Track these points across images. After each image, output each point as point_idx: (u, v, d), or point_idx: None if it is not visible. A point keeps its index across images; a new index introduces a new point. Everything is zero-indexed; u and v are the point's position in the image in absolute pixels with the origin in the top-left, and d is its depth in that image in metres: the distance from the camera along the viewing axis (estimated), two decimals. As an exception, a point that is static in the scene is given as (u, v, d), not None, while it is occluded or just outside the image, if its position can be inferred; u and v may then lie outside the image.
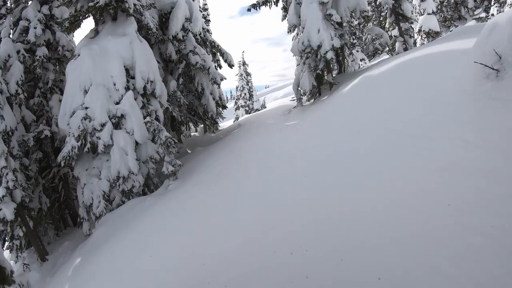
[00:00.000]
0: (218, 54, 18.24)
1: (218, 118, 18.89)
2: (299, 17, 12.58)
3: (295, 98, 15.02)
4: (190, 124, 20.11)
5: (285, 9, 15.58)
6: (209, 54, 17.05)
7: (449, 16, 28.60)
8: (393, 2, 13.28)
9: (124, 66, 11.16)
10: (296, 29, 14.47)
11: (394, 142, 5.94)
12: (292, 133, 10.20)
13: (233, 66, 18.43)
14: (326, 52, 11.47)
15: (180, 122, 16.56)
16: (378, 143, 6.27)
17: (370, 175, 5.48)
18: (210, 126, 19.64)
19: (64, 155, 10.75)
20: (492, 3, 23.36)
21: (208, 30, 18.61)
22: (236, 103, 43.88)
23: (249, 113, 40.03)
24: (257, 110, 40.89)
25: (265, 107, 42.55)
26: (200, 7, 18.78)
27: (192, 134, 23.29)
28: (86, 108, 10.83)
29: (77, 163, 11.38)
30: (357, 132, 7.22)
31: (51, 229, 15.04)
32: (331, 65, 13.62)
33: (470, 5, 30.40)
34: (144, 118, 10.98)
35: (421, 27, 18.21)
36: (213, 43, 17.85)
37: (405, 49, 13.54)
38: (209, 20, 20.53)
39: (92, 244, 9.78)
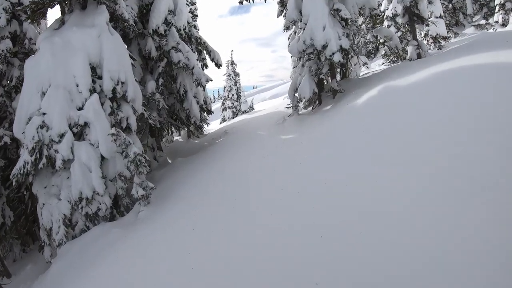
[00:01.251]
0: (205, 52, 16.34)
1: (203, 124, 17.03)
2: (300, 12, 10.85)
3: (290, 105, 13.31)
4: (173, 128, 18.18)
5: (282, 3, 13.87)
6: (194, 52, 15.19)
7: (447, 22, 27.60)
8: (410, 0, 11.60)
9: (90, 64, 9.16)
10: (294, 26, 12.77)
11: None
12: (292, 154, 8.08)
13: (221, 66, 16.53)
14: (333, 53, 9.74)
15: (160, 128, 14.63)
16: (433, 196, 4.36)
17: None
18: (194, 131, 17.81)
19: (15, 172, 8.80)
20: (497, 9, 22.43)
21: (194, 26, 16.68)
22: (223, 103, 41.84)
23: (237, 115, 38.17)
24: (245, 111, 38.97)
25: (253, 109, 40.84)
26: (187, 0, 16.88)
27: (175, 138, 21.44)
28: (43, 114, 8.87)
29: (35, 178, 9.39)
30: (390, 164, 5.28)
31: (17, 244, 13.01)
32: (336, 69, 11.97)
33: (469, 11, 29.74)
34: (112, 127, 9.03)
35: (427, 31, 16.74)
36: (199, 40, 15.95)
37: (419, 55, 11.94)
38: (196, 15, 18.53)
39: (49, 282, 7.90)
